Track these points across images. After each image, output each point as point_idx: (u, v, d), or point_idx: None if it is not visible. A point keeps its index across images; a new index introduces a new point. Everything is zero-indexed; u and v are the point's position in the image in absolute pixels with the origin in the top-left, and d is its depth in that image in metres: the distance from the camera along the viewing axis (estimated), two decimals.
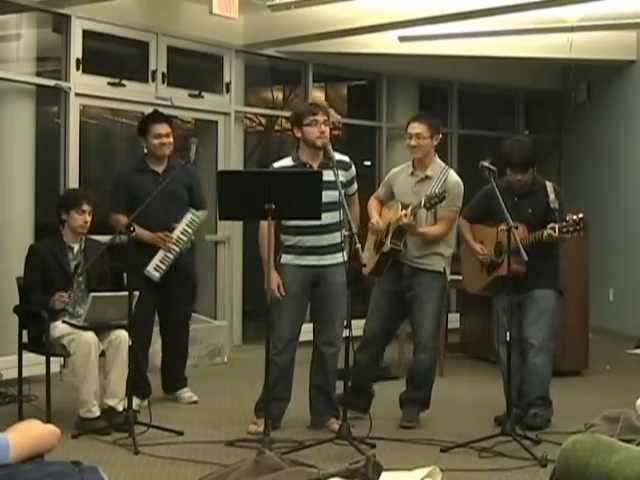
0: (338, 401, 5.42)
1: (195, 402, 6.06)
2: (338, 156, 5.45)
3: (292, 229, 5.35)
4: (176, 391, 6.15)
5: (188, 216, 5.96)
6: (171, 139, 6.00)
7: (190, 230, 5.94)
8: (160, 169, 5.99)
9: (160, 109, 7.93)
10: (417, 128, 5.60)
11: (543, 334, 5.54)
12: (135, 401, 5.81)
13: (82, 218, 5.61)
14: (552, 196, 5.50)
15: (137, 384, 5.88)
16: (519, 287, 5.39)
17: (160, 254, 5.87)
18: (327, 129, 5.35)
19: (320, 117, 5.33)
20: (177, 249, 5.88)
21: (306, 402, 5.53)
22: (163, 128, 5.96)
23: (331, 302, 5.36)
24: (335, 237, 5.31)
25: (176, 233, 5.88)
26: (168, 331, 6.17)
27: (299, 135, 5.38)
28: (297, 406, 5.55)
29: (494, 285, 5.64)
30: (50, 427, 2.98)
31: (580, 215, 5.25)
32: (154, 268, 5.85)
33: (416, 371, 5.66)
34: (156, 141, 5.93)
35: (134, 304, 5.32)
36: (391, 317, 5.70)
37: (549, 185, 5.58)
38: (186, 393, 6.15)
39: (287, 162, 5.44)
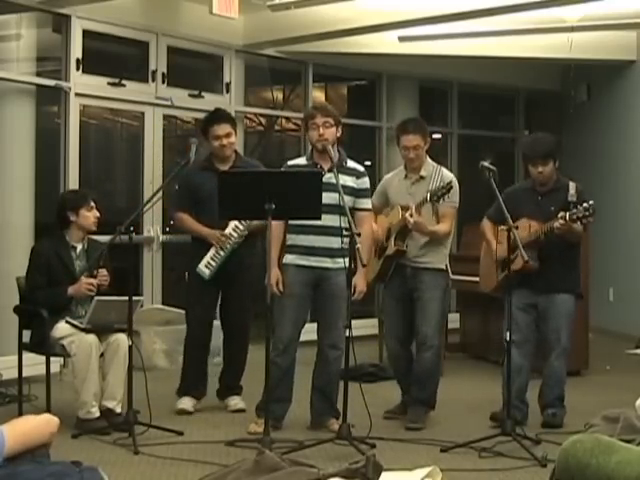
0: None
1: (242, 410, 5.89)
2: (352, 164, 5.49)
3: (294, 228, 5.36)
4: (226, 398, 6.04)
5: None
6: (232, 139, 5.86)
7: (241, 227, 5.76)
8: (224, 168, 5.82)
9: (160, 109, 7.99)
10: (414, 140, 5.58)
11: (564, 339, 5.56)
12: (189, 401, 5.89)
13: (92, 214, 5.63)
14: (572, 191, 5.47)
15: (191, 384, 5.94)
16: (537, 287, 5.42)
17: (212, 252, 5.77)
18: (328, 130, 5.34)
19: (319, 120, 5.34)
20: (228, 246, 5.75)
21: (306, 402, 5.53)
22: (222, 129, 5.81)
23: (334, 304, 5.33)
24: (337, 241, 5.26)
25: (228, 230, 5.76)
26: (227, 335, 6.06)
27: (307, 137, 5.47)
28: (297, 406, 5.55)
29: (507, 282, 5.59)
30: (45, 416, 2.98)
31: (590, 202, 5.22)
32: (205, 265, 5.77)
33: (420, 371, 5.64)
34: (216, 143, 5.80)
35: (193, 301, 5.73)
36: (407, 319, 5.69)
37: (572, 184, 5.54)
38: (233, 400, 5.99)
39: (301, 161, 5.52)
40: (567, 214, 5.24)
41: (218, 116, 5.96)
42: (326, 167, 5.34)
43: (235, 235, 5.77)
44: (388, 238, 5.63)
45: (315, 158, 5.43)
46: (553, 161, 5.57)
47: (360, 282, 5.34)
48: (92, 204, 5.64)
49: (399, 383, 5.87)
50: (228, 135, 5.84)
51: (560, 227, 5.29)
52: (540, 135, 5.92)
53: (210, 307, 5.99)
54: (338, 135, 5.40)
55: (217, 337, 6.77)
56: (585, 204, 5.22)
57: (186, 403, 5.89)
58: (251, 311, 6.14)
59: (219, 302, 6.06)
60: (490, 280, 5.87)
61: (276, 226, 5.24)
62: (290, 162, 5.55)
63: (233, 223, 5.77)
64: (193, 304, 5.96)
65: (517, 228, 5.19)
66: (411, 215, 5.39)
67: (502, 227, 5.26)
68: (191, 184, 5.80)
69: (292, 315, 5.35)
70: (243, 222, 5.77)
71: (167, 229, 8.08)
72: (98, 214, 5.65)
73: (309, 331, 5.56)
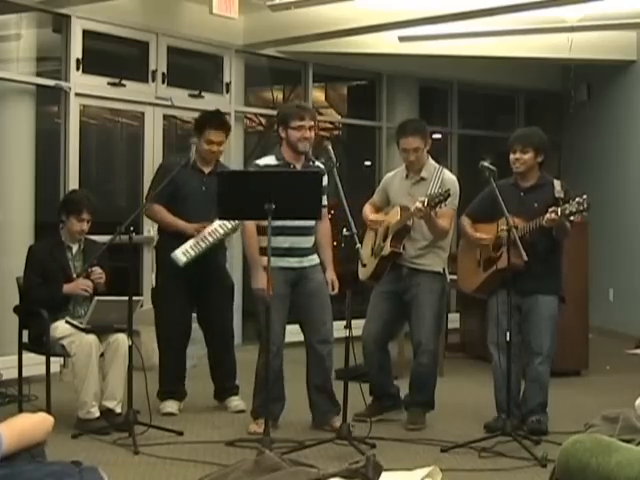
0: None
1: (242, 411, 5.88)
2: (317, 162, 5.46)
3: (272, 229, 5.23)
4: (225, 399, 6.04)
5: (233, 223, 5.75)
6: (222, 147, 5.86)
7: (229, 225, 5.72)
8: (207, 169, 5.86)
9: (160, 109, 7.98)
10: (413, 143, 5.54)
11: (548, 343, 5.45)
12: (174, 404, 5.88)
13: (80, 226, 5.60)
14: (558, 188, 5.38)
15: (171, 388, 5.93)
16: (520, 289, 5.30)
17: (192, 241, 5.70)
18: (311, 134, 5.34)
19: (306, 122, 5.33)
20: (211, 239, 5.71)
21: (306, 402, 5.53)
22: (218, 136, 5.79)
23: (317, 301, 5.38)
24: (311, 240, 5.42)
25: (215, 225, 5.71)
26: (210, 337, 6.06)
27: (283, 135, 5.39)
28: (297, 406, 5.55)
29: (491, 282, 5.53)
30: (41, 414, 2.99)
31: (584, 196, 5.08)
32: (182, 252, 5.68)
33: (417, 374, 5.65)
34: (207, 146, 5.78)
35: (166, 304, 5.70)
36: (389, 319, 5.69)
37: (557, 182, 5.47)
38: (233, 402, 6.00)
39: (270, 160, 5.43)
40: (559, 209, 5.10)
41: (218, 122, 5.89)
42: (298, 166, 5.36)
43: (221, 232, 5.73)
44: (385, 238, 5.62)
45: (287, 157, 5.40)
46: (534, 153, 5.47)
47: (334, 277, 5.45)
48: (84, 216, 5.58)
49: (370, 382, 5.73)
50: (221, 143, 5.84)
51: (550, 222, 5.13)
52: (533, 128, 5.85)
53: (185, 307, 5.93)
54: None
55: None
56: (578, 198, 5.07)
57: (171, 406, 5.89)
58: (231, 309, 6.16)
59: (195, 306, 6.01)
60: (472, 279, 5.73)
61: (252, 228, 5.24)
62: (259, 161, 5.47)
63: (219, 221, 5.70)
64: (165, 305, 5.90)
65: (517, 228, 5.15)
66: (419, 210, 5.26)
67: (502, 227, 5.21)
68: (172, 179, 5.63)
69: (279, 316, 5.32)
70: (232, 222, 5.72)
71: None
72: (86, 227, 5.61)
73: (298, 332, 5.55)
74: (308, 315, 5.45)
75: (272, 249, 5.12)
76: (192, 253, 5.71)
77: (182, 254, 5.71)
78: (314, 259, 5.46)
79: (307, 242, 5.42)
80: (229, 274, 6.25)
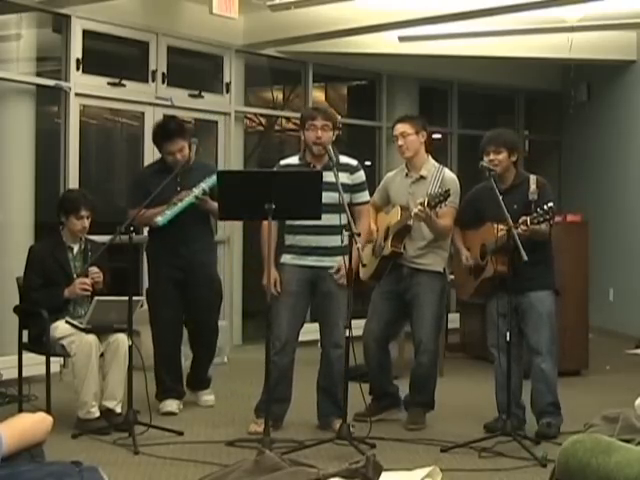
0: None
1: (211, 407, 5.97)
2: (344, 159, 5.46)
3: (293, 228, 5.37)
4: (197, 391, 6.08)
5: (210, 181, 5.62)
6: (185, 152, 5.78)
7: (203, 185, 5.67)
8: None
9: (160, 109, 7.97)
10: (401, 128, 5.61)
11: (546, 339, 5.40)
12: (173, 403, 5.89)
13: (80, 223, 5.60)
14: (533, 187, 5.31)
15: (170, 387, 5.94)
16: (513, 289, 5.22)
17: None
18: (326, 134, 5.32)
19: (318, 122, 5.33)
20: (187, 199, 5.66)
21: (307, 402, 5.53)
22: (174, 145, 5.75)
23: (334, 303, 5.34)
24: (335, 240, 5.29)
25: (196, 190, 5.66)
26: (196, 333, 6.05)
27: (302, 138, 5.44)
28: (298, 406, 5.55)
29: (483, 288, 5.52)
30: (40, 414, 2.98)
31: (550, 204, 5.07)
32: (160, 215, 5.67)
33: (417, 374, 5.65)
34: (170, 158, 5.79)
35: (158, 305, 5.72)
36: (390, 319, 5.69)
37: (532, 178, 5.39)
38: (204, 396, 6.05)
39: (293, 160, 5.49)
40: (528, 219, 5.07)
41: (167, 133, 5.82)
42: (319, 166, 5.35)
43: (195, 191, 5.67)
44: (386, 238, 5.62)
45: (308, 158, 5.43)
46: (508, 153, 5.39)
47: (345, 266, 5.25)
48: (83, 213, 5.58)
49: (370, 382, 5.74)
50: (181, 149, 5.78)
51: (523, 233, 5.09)
52: (502, 128, 5.84)
53: (176, 307, 5.93)
54: (333, 139, 5.39)
55: (219, 337, 6.74)
56: (545, 206, 5.04)
57: (170, 405, 5.89)
58: (219, 308, 6.21)
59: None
60: (466, 287, 5.71)
61: (271, 226, 5.25)
62: (282, 162, 5.52)
63: (204, 185, 5.68)
64: (157, 305, 5.90)
65: (517, 228, 5.11)
66: (421, 211, 5.25)
67: (502, 227, 5.17)
68: (148, 185, 5.64)
69: (289, 313, 5.34)
70: (206, 191, 5.69)
71: None
72: (87, 224, 5.61)
73: (310, 331, 5.55)
74: (323, 317, 5.45)
75: (291, 247, 5.35)
76: (168, 212, 5.68)
77: (160, 216, 5.69)
78: (337, 260, 5.31)
79: (330, 241, 5.32)
80: (217, 274, 6.26)
